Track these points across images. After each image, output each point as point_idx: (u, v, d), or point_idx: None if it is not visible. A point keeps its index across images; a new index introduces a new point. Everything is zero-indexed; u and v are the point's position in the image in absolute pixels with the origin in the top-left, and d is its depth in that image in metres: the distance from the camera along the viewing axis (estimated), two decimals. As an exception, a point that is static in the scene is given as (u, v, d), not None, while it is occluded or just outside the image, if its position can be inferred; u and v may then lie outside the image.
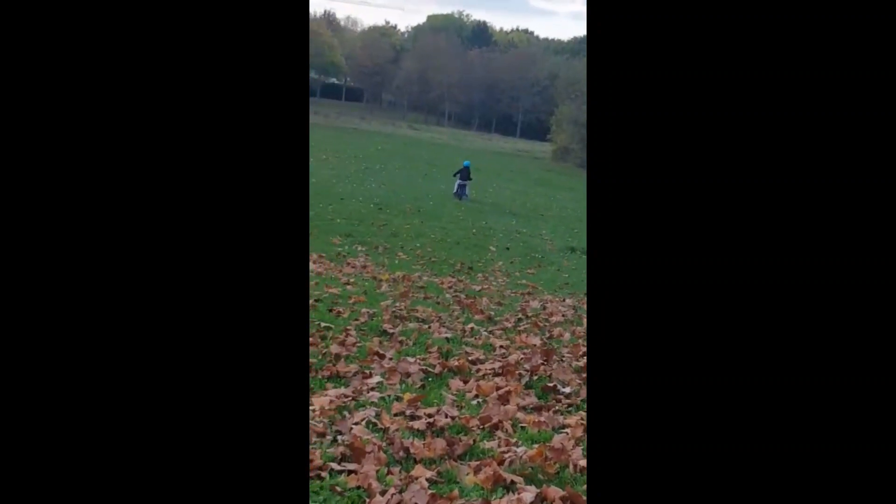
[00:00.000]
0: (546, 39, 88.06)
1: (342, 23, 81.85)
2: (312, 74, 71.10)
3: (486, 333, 4.54)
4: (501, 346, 4.25)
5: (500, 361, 3.90)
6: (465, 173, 18.09)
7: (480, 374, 3.66)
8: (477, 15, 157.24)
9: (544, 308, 5.69)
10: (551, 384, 3.59)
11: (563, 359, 4.15)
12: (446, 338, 4.27)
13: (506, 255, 10.78)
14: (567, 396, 3.51)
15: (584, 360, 4.16)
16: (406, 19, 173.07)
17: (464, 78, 68.36)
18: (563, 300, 6.47)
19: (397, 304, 5.02)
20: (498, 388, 3.40)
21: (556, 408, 3.34)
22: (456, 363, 3.73)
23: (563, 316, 5.41)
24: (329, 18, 77.56)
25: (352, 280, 6.05)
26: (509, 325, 4.89)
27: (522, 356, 4.04)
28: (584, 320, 5.50)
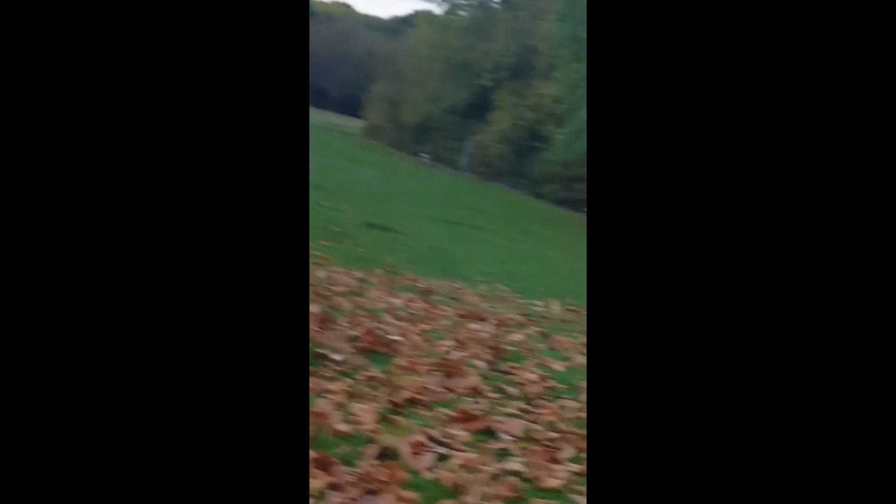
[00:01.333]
0: (365, 15, 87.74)
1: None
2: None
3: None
4: (278, 313, 4.20)
5: (273, 327, 3.85)
6: None
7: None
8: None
9: (329, 278, 5.68)
10: (323, 351, 3.59)
11: (340, 328, 4.16)
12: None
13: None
14: (337, 363, 3.53)
15: (359, 329, 4.20)
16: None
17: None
18: (351, 273, 6.49)
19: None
20: (265, 353, 3.35)
21: (325, 374, 3.35)
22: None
23: (346, 287, 5.43)
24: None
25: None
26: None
27: (298, 323, 4.01)
28: (369, 293, 5.55)
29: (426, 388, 3.44)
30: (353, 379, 3.39)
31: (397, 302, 5.45)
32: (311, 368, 3.34)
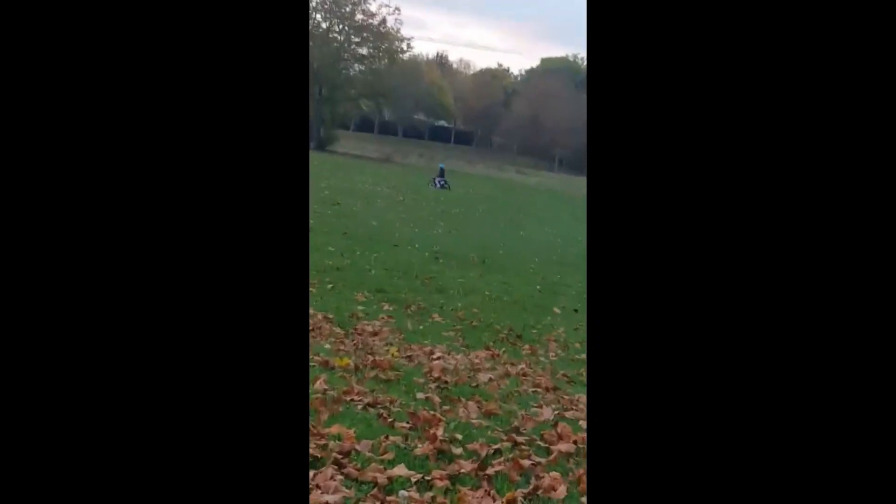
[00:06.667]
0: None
1: (454, 65, 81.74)
2: (421, 116, 70.91)
3: (407, 494, 2.67)
4: (422, 524, 2.43)
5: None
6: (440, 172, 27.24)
7: None
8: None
9: (555, 423, 3.79)
10: None
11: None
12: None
13: (571, 319, 8.90)
14: None
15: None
16: (521, 63, 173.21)
17: (576, 122, 66.28)
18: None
19: (310, 422, 3.26)
20: None
21: None
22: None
23: (575, 443, 3.49)
24: (441, 61, 77.57)
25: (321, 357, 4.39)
26: (468, 469, 3.00)
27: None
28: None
29: None
30: None
31: None
32: None
